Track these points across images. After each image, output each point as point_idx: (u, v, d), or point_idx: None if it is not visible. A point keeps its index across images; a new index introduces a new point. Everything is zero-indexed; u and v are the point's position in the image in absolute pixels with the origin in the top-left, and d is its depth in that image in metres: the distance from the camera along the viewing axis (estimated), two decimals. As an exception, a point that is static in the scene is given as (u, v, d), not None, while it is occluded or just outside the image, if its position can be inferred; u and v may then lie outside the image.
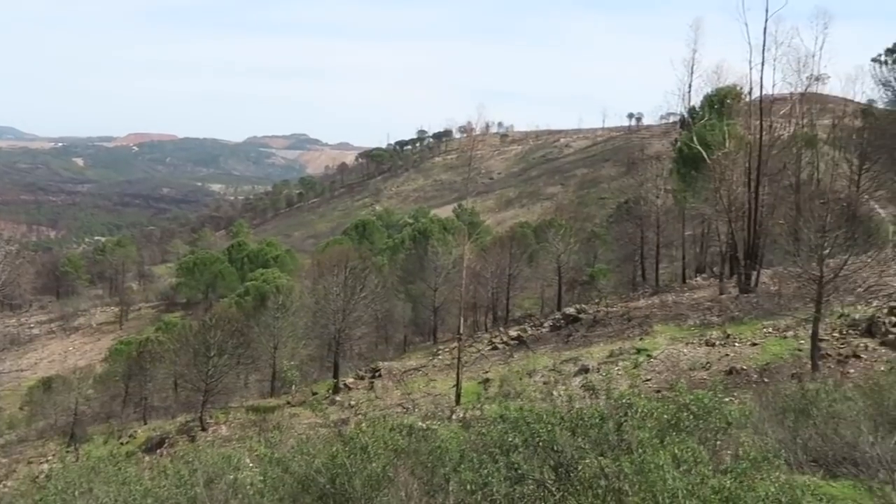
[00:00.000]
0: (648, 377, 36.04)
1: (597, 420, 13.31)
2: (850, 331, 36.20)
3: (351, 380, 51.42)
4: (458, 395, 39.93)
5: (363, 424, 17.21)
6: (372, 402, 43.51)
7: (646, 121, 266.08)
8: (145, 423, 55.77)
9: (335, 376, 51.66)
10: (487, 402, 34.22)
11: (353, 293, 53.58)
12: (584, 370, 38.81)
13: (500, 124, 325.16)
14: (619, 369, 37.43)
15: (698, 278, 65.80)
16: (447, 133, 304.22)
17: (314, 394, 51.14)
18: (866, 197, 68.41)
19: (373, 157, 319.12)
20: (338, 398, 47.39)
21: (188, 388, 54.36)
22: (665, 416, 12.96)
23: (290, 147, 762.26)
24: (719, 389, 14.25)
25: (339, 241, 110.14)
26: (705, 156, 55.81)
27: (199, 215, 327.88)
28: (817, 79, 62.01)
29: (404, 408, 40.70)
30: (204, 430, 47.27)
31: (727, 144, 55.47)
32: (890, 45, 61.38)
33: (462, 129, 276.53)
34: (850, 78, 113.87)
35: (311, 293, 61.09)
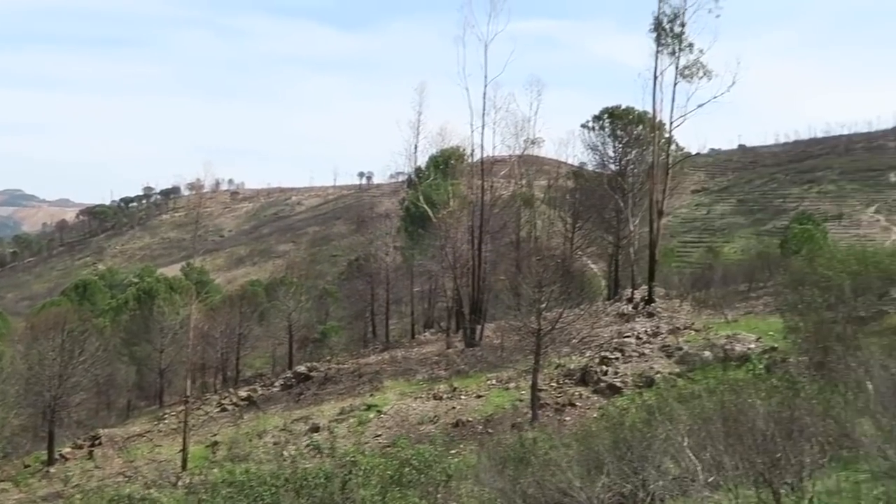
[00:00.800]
0: (379, 433, 36.28)
1: (322, 479, 13.20)
2: (567, 380, 38.16)
3: (68, 449, 48.16)
4: (184, 461, 38.41)
5: (76, 497, 16.17)
6: (89, 472, 40.98)
7: (376, 179, 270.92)
8: None
9: (49, 447, 48.22)
10: (215, 466, 33.16)
11: (72, 357, 50.51)
12: (316, 429, 38.49)
13: (230, 181, 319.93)
14: (348, 426, 37.48)
15: (427, 333, 67.32)
16: (175, 190, 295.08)
17: (26, 466, 47.44)
18: (579, 253, 72.84)
19: (95, 215, 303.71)
20: (52, 470, 44.22)
21: None
22: (388, 472, 13.05)
23: (2, 203, 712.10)
24: (439, 443, 14.54)
25: (57, 302, 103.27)
26: (431, 214, 57.56)
27: None
28: (533, 142, 65.96)
29: (126, 476, 38.59)
30: None
31: (451, 203, 57.54)
32: (597, 113, 66.16)
33: (191, 186, 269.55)
34: (562, 142, 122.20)
35: (24, 359, 56.86)
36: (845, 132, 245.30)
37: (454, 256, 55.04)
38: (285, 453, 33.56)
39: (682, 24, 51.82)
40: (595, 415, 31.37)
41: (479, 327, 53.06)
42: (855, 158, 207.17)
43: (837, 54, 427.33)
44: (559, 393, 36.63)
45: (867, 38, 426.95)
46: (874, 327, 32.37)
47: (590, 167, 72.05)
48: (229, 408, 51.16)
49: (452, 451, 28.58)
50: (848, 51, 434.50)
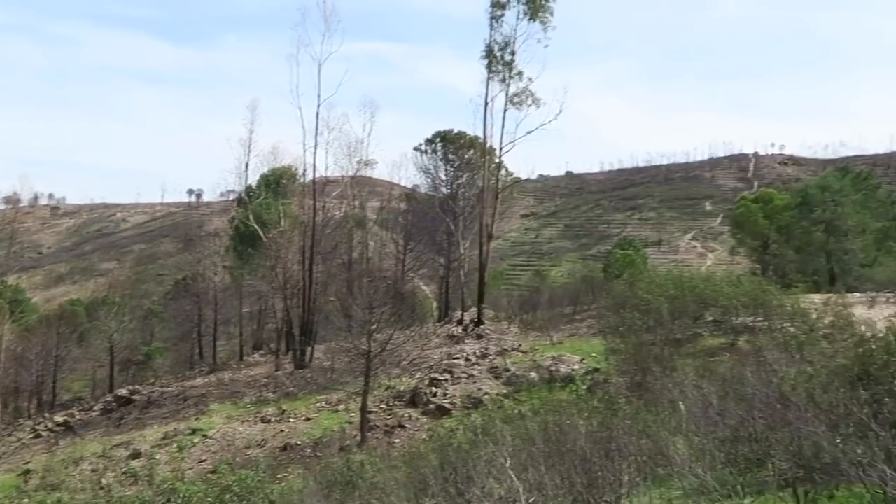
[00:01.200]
0: (203, 458, 35.30)
1: (138, 509, 12.71)
2: (396, 402, 38.19)
3: None
4: (-8, 491, 36.32)
5: None
6: None
7: (206, 197, 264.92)
8: None
9: None
10: (25, 497, 31.47)
11: None
12: (137, 455, 37.05)
13: (50, 196, 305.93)
14: (171, 452, 36.30)
15: (256, 355, 66.13)
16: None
17: None
18: (411, 275, 73.30)
19: None
20: None
21: None
22: (209, 500, 12.68)
23: None
24: (263, 468, 14.25)
25: None
26: (261, 234, 56.71)
27: None
28: (366, 163, 66.10)
29: (-79, 511, 36.17)
30: None
31: (283, 223, 56.89)
32: (430, 136, 67.03)
33: (6, 200, 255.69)
34: (395, 164, 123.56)
35: None
36: (665, 162, 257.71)
37: (284, 277, 54.38)
38: (103, 481, 32.25)
39: (513, 53, 53.23)
40: (424, 436, 31.52)
41: (309, 349, 52.54)
42: (673, 187, 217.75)
43: (658, 88, 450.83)
44: (389, 415, 36.62)
45: (685, 75, 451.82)
46: (689, 349, 33.91)
47: (422, 190, 72.82)
48: (44, 434, 48.67)
49: (279, 476, 28.17)
50: (667, 85, 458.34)
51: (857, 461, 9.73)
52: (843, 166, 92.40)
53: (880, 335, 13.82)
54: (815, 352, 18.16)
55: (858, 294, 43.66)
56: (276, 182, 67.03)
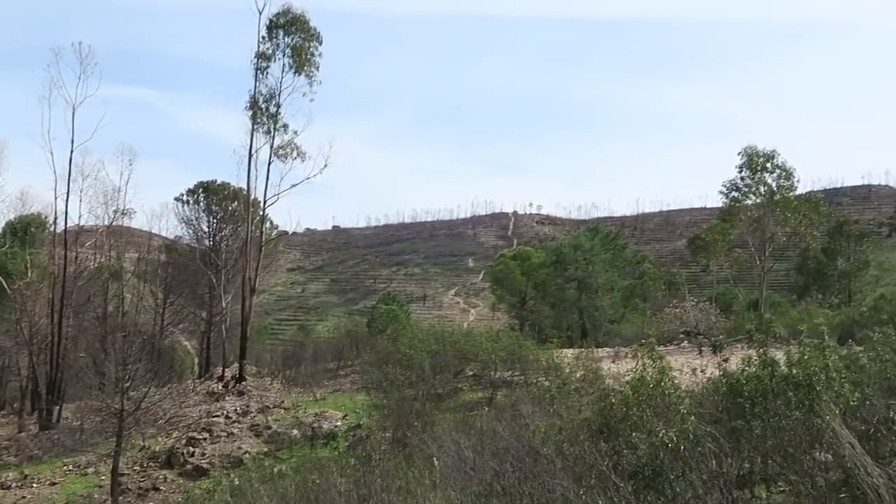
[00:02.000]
0: (-71, 532, 32.49)
1: None
2: (151, 463, 36.68)
3: None
4: None
5: None
6: None
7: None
8: None
9: None
10: None
11: None
12: None
13: None
14: None
15: (-4, 415, 61.73)
16: None
17: None
18: (171, 329, 70.90)
19: None
20: None
21: None
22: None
23: None
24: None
25: None
26: (5, 285, 53.30)
27: None
28: (124, 213, 63.54)
29: None
30: None
31: (30, 274, 53.73)
32: (192, 186, 65.59)
33: None
34: (155, 214, 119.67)
35: None
36: (430, 219, 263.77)
37: (31, 331, 51.26)
38: None
39: (278, 105, 53.23)
40: (179, 499, 30.40)
41: (56, 408, 49.59)
42: (438, 244, 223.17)
43: (423, 145, 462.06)
44: (143, 477, 35.08)
45: (449, 133, 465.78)
46: (450, 404, 34.59)
47: (184, 241, 70.94)
48: None
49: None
50: (432, 143, 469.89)
51: (600, 512, 10.14)
52: (594, 227, 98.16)
53: (620, 389, 14.55)
54: (566, 405, 18.89)
55: (607, 349, 46.11)
56: (24, 230, 63.42)
